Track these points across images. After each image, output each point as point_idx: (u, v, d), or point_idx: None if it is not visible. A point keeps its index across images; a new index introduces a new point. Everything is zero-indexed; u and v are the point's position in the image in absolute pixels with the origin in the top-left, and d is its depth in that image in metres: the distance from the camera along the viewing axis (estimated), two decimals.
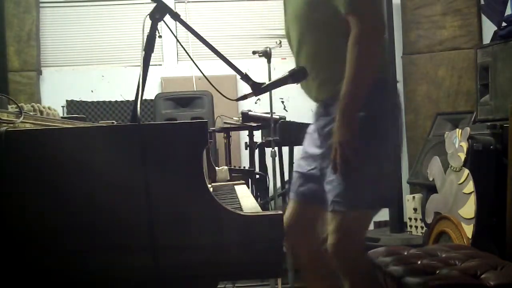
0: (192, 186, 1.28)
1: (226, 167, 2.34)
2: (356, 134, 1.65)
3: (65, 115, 3.12)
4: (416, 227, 3.90)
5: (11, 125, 1.40)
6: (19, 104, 1.56)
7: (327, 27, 1.76)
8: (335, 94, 1.72)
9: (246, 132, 3.59)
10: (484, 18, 4.45)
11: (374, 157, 1.69)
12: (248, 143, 3.55)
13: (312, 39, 1.81)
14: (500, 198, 2.71)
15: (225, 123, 3.67)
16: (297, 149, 3.84)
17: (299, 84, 1.84)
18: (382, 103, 1.75)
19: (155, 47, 1.55)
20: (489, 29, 4.30)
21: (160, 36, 1.57)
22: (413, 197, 3.94)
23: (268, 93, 2.63)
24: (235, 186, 2.15)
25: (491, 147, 2.88)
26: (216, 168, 2.30)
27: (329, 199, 1.73)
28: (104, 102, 4.80)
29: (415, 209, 3.90)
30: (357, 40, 1.65)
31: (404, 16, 4.74)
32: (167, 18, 1.58)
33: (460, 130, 3.02)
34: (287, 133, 3.41)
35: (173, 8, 1.63)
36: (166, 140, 1.29)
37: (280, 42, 3.38)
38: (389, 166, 1.73)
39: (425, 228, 3.44)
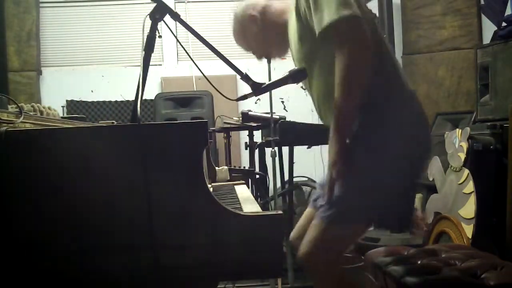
0: (192, 186, 1.28)
1: (226, 167, 2.34)
2: (343, 155, 1.58)
3: (65, 115, 3.12)
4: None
5: (11, 125, 1.40)
6: (19, 104, 1.56)
7: (323, 62, 1.70)
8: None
9: (246, 132, 3.59)
10: (484, 18, 4.45)
11: (366, 169, 1.61)
12: (248, 143, 3.55)
13: (317, 77, 1.76)
14: (500, 198, 2.71)
15: (225, 123, 3.67)
16: (297, 149, 3.85)
17: (299, 85, 1.83)
18: (395, 112, 1.65)
19: (155, 47, 1.55)
20: (489, 29, 4.31)
21: (160, 36, 1.57)
22: None
23: (268, 93, 2.63)
24: (235, 186, 2.15)
25: (491, 147, 2.88)
26: (216, 168, 2.30)
27: (318, 204, 1.73)
28: (104, 102, 4.81)
29: (415, 209, 3.90)
30: (339, 66, 1.56)
31: (404, 16, 4.74)
32: (167, 18, 1.58)
33: (460, 130, 3.02)
34: (287, 133, 3.41)
35: (173, 8, 1.63)
36: (166, 140, 1.29)
37: None
38: (386, 180, 1.59)
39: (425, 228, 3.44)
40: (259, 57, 2.04)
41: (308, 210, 1.96)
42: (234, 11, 1.98)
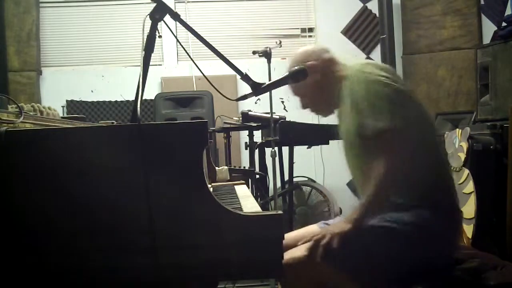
0: (192, 186, 1.28)
1: (226, 167, 2.34)
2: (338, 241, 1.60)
3: (65, 115, 3.11)
4: None
5: (11, 125, 1.40)
6: (19, 104, 1.56)
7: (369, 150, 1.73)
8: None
9: (246, 132, 3.59)
10: (484, 18, 4.45)
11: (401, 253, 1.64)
12: (248, 143, 3.55)
13: (363, 161, 1.78)
14: (500, 198, 2.71)
15: (225, 123, 3.67)
16: (297, 149, 3.85)
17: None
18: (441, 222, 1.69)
19: (155, 47, 1.55)
20: (489, 29, 4.31)
21: (160, 36, 1.57)
22: None
23: (268, 93, 2.63)
24: (235, 186, 2.15)
25: (491, 147, 2.88)
26: (216, 168, 2.30)
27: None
28: (104, 102, 4.81)
29: None
30: (376, 170, 1.63)
31: (404, 16, 4.75)
32: (167, 18, 1.58)
33: (460, 130, 3.02)
34: (287, 133, 3.41)
35: (173, 8, 1.63)
36: (166, 140, 1.29)
37: (280, 42, 3.38)
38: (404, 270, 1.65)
39: None
40: (304, 106, 1.97)
41: (313, 228, 1.95)
42: (297, 52, 1.93)
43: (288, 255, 1.62)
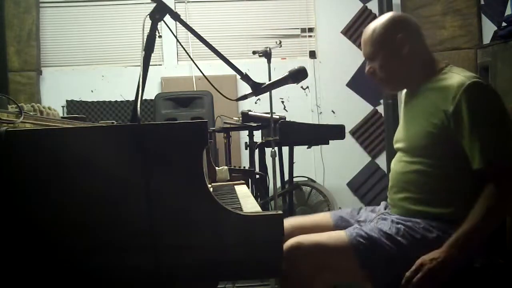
0: (192, 186, 1.28)
1: (226, 167, 2.34)
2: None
3: (65, 115, 3.11)
4: None
5: (11, 125, 1.40)
6: (19, 104, 1.56)
7: (441, 157, 1.69)
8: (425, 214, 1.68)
9: (246, 132, 3.59)
10: (484, 18, 4.45)
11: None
12: (248, 143, 3.55)
13: (423, 160, 1.72)
14: None
15: (225, 123, 3.66)
16: (297, 149, 3.85)
17: (299, 85, 1.81)
18: None
19: (155, 47, 1.56)
20: (489, 29, 4.31)
21: (160, 36, 1.57)
22: None
23: (268, 93, 2.63)
24: (235, 186, 2.15)
25: None
26: (216, 168, 2.30)
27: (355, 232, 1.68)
28: (104, 102, 4.81)
29: None
30: (489, 199, 1.58)
31: None
32: (167, 18, 1.58)
33: None
34: (287, 133, 3.41)
35: (173, 8, 1.63)
36: (166, 140, 1.29)
37: (280, 42, 3.38)
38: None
39: None
40: (369, 72, 1.82)
41: (325, 217, 1.95)
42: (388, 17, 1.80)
43: (311, 238, 1.65)
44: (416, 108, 1.78)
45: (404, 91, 1.92)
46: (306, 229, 1.83)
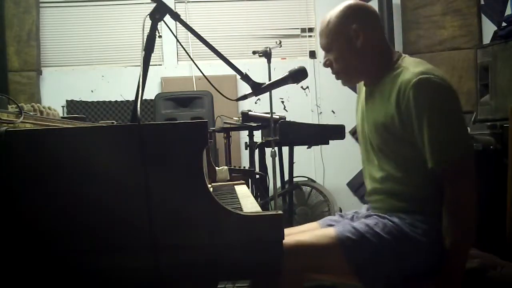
0: (192, 186, 1.28)
1: (226, 167, 2.34)
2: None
3: (65, 115, 3.12)
4: None
5: (11, 125, 1.40)
6: (19, 104, 1.56)
7: (395, 154, 1.67)
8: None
9: (246, 132, 3.59)
10: (484, 18, 4.45)
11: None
12: (248, 143, 3.55)
13: (391, 151, 1.70)
14: (500, 198, 2.71)
15: (225, 123, 3.67)
16: (297, 149, 3.85)
17: (299, 85, 1.80)
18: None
19: (155, 47, 1.56)
20: (489, 29, 4.31)
21: (160, 36, 1.57)
22: None
23: (268, 93, 2.63)
24: (235, 186, 2.15)
25: (491, 147, 2.88)
26: (216, 168, 2.30)
27: (345, 230, 1.65)
28: (104, 102, 4.81)
29: None
30: (452, 199, 1.56)
31: (404, 16, 4.75)
32: (167, 18, 1.58)
33: None
34: (287, 133, 3.41)
35: (173, 8, 1.63)
36: (166, 140, 1.28)
37: (280, 42, 3.38)
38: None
39: None
40: (327, 65, 1.78)
41: (312, 225, 1.94)
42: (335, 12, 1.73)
43: (294, 238, 1.62)
44: (375, 102, 1.74)
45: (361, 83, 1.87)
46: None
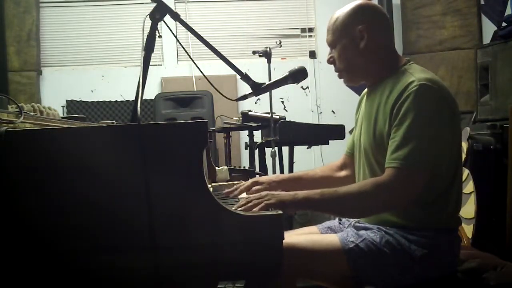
0: (192, 186, 1.28)
1: (226, 167, 2.33)
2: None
3: (65, 115, 3.12)
4: None
5: (11, 125, 1.40)
6: (19, 104, 1.56)
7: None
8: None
9: (246, 132, 3.59)
10: (484, 18, 4.45)
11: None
12: (248, 143, 3.55)
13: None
14: (500, 198, 2.71)
15: (225, 123, 3.67)
16: (297, 149, 3.85)
17: (299, 85, 1.79)
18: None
19: (155, 47, 1.56)
20: (489, 29, 4.31)
21: (160, 36, 1.57)
22: None
23: (268, 93, 2.63)
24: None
25: (491, 147, 2.89)
26: (216, 168, 2.30)
27: (348, 238, 1.61)
28: (104, 102, 4.81)
29: None
30: (376, 194, 1.53)
31: (404, 16, 4.75)
32: (167, 18, 1.58)
33: None
34: (287, 133, 3.41)
35: (173, 8, 1.63)
36: (166, 140, 1.29)
37: (280, 42, 3.38)
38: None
39: None
40: (329, 61, 1.76)
41: (311, 229, 1.92)
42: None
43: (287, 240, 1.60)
44: (374, 105, 1.71)
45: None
46: None
